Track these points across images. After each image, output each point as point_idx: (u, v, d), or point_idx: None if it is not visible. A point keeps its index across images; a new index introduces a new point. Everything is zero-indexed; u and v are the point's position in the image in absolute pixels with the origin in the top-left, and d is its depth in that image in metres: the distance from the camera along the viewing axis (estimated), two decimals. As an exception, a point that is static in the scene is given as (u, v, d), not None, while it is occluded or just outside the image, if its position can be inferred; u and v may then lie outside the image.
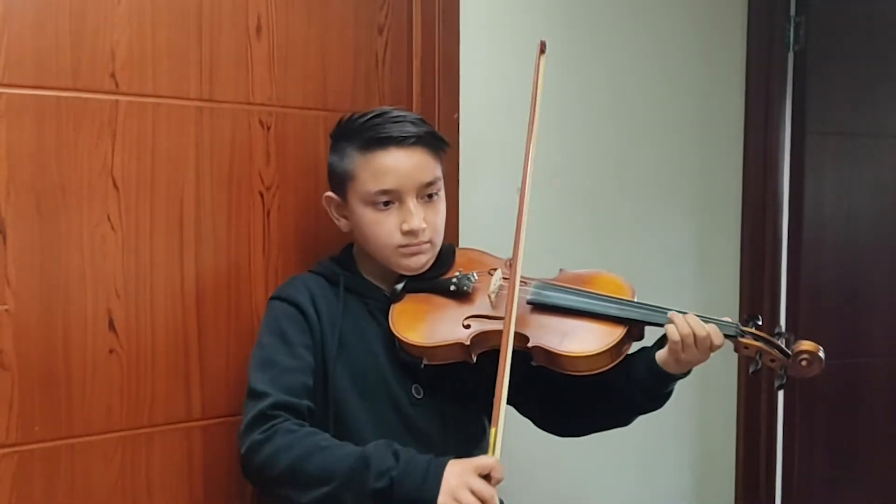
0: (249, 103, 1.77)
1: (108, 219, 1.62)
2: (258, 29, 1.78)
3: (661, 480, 2.56)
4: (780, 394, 2.67)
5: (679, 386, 1.67)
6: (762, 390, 2.65)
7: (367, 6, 1.93)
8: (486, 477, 1.44)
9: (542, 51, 1.71)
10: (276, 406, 1.52)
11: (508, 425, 1.78)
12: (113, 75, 1.62)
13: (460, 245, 1.92)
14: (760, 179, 2.63)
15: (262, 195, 1.79)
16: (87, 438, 1.62)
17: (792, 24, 2.63)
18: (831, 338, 2.74)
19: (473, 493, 1.41)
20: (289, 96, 1.82)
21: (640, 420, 1.72)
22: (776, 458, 2.70)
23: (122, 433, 1.65)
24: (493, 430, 1.46)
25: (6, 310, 1.53)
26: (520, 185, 1.65)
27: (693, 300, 2.54)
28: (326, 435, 1.53)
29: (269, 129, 1.79)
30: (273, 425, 1.50)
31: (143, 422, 1.67)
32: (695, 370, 1.65)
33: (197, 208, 1.72)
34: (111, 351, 1.63)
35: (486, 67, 2.10)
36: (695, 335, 1.54)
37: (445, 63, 1.99)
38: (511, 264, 1.68)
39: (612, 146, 2.38)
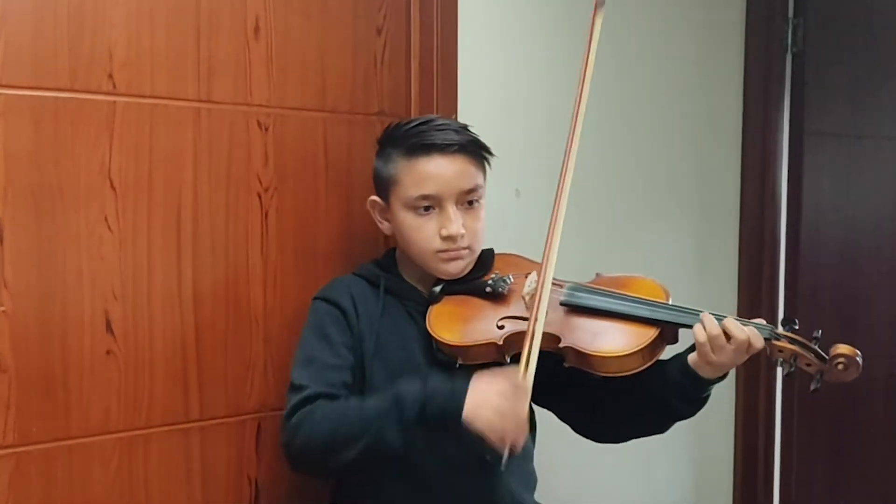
0: (247, 104, 1.77)
1: (106, 220, 1.62)
2: (256, 30, 1.77)
3: (660, 483, 2.56)
4: (779, 395, 2.67)
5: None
6: (760, 393, 2.65)
7: (365, 7, 1.92)
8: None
9: (600, 4, 1.70)
10: (314, 396, 1.56)
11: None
12: (111, 76, 1.61)
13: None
14: (759, 180, 2.62)
15: (260, 196, 1.79)
16: (85, 440, 1.61)
17: (790, 26, 2.63)
18: (830, 339, 2.76)
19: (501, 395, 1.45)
20: (287, 97, 1.82)
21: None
22: (774, 460, 2.69)
23: (120, 434, 1.65)
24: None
25: (3, 311, 1.53)
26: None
27: (692, 301, 2.53)
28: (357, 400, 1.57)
29: (267, 130, 1.79)
30: (308, 409, 1.55)
31: (140, 423, 1.67)
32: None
33: (195, 210, 1.71)
34: (109, 352, 1.63)
35: (484, 68, 2.10)
36: (733, 338, 1.55)
37: (444, 64, 1.99)
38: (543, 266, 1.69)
39: (611, 147, 2.38)
